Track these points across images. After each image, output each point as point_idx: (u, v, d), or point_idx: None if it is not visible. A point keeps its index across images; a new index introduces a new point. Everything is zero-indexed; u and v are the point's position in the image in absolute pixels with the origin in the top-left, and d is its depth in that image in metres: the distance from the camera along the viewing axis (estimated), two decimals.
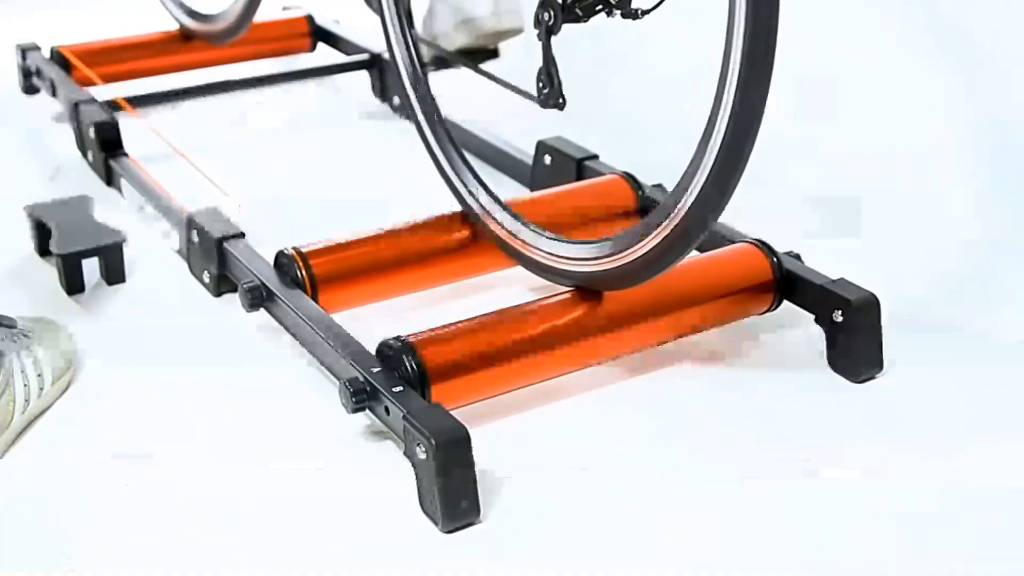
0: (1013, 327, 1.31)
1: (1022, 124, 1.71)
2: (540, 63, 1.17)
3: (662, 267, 1.10)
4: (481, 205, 1.31)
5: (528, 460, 1.10)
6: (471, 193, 1.32)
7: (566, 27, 1.14)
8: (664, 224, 1.06)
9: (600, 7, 1.09)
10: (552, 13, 1.13)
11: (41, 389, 1.17)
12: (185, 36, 2.05)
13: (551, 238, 1.22)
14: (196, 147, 1.65)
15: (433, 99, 1.37)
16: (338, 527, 1.03)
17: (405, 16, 1.38)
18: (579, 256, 1.18)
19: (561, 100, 1.17)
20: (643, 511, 1.04)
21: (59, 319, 1.28)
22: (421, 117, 1.38)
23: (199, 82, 1.94)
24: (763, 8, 0.94)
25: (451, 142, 1.36)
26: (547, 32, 1.15)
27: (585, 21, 1.12)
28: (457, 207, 1.35)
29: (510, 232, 1.27)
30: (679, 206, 1.05)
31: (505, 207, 1.29)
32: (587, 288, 1.19)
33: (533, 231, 1.25)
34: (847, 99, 1.84)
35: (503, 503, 1.05)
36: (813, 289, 1.23)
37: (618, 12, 1.08)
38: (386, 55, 1.46)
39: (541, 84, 1.18)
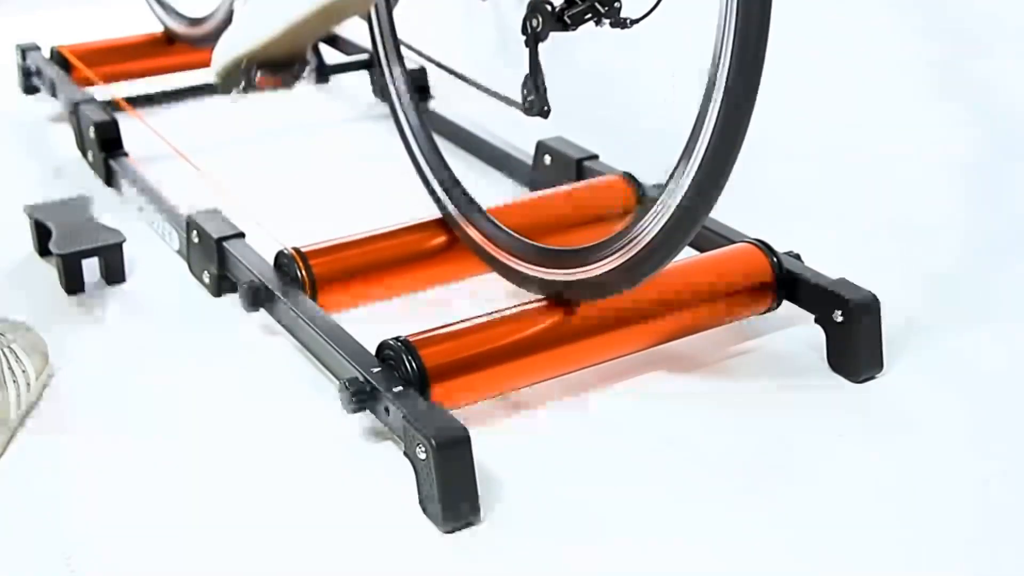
0: (1013, 326, 1.31)
1: (1020, 123, 1.71)
2: (527, 70, 1.14)
3: (642, 275, 1.09)
4: (458, 209, 1.30)
5: (528, 460, 1.10)
6: (449, 195, 1.31)
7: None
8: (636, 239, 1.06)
9: (589, 16, 1.07)
10: (540, 20, 1.10)
11: (28, 384, 1.17)
12: (169, 39, 2.03)
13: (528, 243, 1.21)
14: (196, 147, 1.65)
15: (418, 101, 1.35)
16: (338, 527, 1.03)
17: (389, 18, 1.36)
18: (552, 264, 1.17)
19: (546, 108, 1.14)
20: (643, 510, 1.04)
21: (59, 319, 1.28)
22: (402, 117, 1.36)
23: (199, 82, 1.94)
24: (754, 18, 0.92)
25: (432, 145, 1.34)
26: (534, 39, 1.12)
27: (574, 30, 1.09)
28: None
29: (486, 237, 1.26)
30: (655, 221, 1.04)
31: (483, 211, 1.27)
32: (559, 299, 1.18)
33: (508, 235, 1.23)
34: (844, 98, 1.84)
35: (503, 503, 1.05)
36: (813, 289, 1.23)
37: (607, 21, 1.05)
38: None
39: (526, 91, 1.15)
